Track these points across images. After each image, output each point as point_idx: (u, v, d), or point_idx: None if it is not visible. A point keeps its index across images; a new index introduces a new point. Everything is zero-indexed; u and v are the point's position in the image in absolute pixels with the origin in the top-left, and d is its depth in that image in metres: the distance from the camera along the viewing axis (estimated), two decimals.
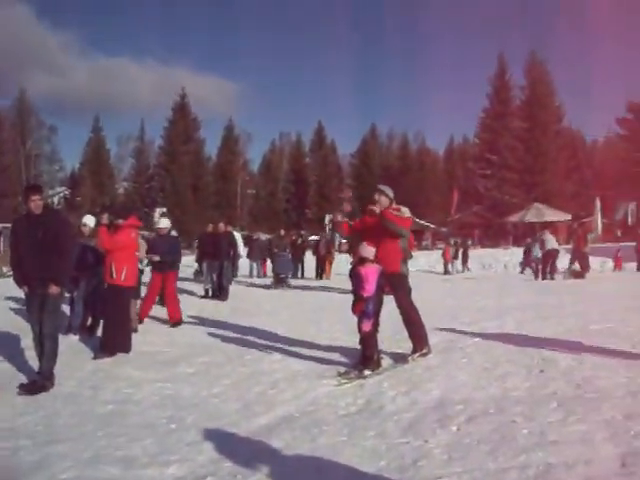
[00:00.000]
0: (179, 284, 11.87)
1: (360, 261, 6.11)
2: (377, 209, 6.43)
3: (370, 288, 5.88)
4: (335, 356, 6.96)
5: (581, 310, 10.05)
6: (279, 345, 7.72)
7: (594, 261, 25.47)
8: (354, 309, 6.07)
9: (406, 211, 6.65)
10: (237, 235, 17.42)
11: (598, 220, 40.77)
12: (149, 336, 8.82)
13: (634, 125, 58.35)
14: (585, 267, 20.28)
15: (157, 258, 10.19)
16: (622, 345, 6.77)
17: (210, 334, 8.82)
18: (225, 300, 13.69)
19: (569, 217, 45.26)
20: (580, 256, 20.58)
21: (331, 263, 22.82)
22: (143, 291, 10.34)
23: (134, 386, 6.05)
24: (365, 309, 5.91)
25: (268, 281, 18.60)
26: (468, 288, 16.45)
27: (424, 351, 6.56)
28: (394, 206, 6.58)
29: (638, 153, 55.48)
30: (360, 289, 5.94)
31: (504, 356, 6.48)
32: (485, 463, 3.63)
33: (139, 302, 9.89)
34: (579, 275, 19.21)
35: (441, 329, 8.02)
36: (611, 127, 65.55)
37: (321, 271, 22.48)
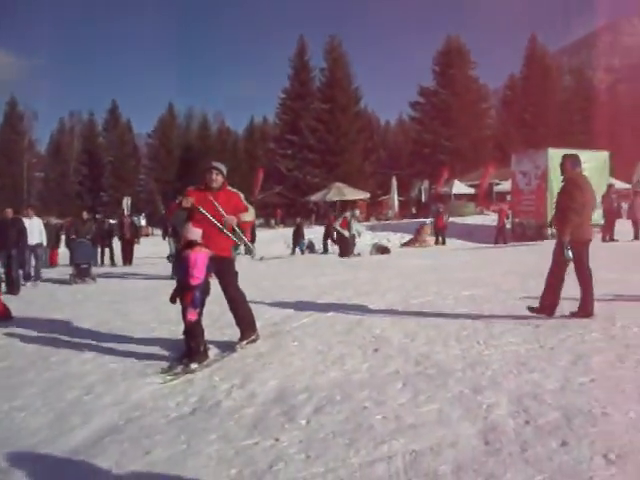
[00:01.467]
0: None
1: (187, 245, 5.52)
2: (190, 201, 5.81)
3: (200, 275, 5.31)
4: (155, 349, 6.24)
5: (398, 285, 10.28)
6: (88, 342, 6.72)
7: (394, 237, 26.72)
8: (181, 298, 5.46)
9: (251, 213, 6.32)
10: (38, 221, 15.24)
11: (395, 198, 43.02)
12: None
13: (425, 108, 62.44)
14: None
15: None
16: (448, 316, 6.93)
17: (4, 335, 7.44)
18: (17, 294, 12.06)
19: (368, 195, 47.30)
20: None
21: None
22: None
23: None
24: (193, 298, 5.35)
25: (60, 272, 16.50)
26: (279, 268, 16.34)
27: (252, 337, 6.17)
28: (231, 189, 6.24)
29: (428, 135, 59.40)
30: (188, 276, 5.31)
31: (335, 337, 6.30)
32: (347, 458, 3.30)
33: None
34: (385, 251, 20.02)
35: (263, 312, 7.70)
36: (403, 110, 69.33)
37: (130, 256, 20.98)
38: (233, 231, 6.06)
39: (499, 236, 25.60)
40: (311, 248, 23.30)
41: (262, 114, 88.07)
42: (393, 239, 26.32)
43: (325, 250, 22.33)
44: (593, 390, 4.20)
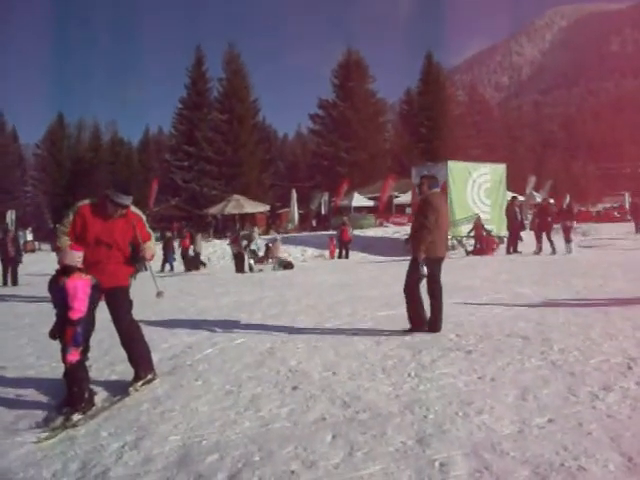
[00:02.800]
0: None
1: (64, 271, 4.50)
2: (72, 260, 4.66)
3: (81, 307, 4.34)
4: (30, 393, 5.14)
5: (308, 305, 9.53)
6: None
7: (295, 250, 26.05)
8: (58, 334, 4.47)
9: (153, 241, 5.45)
10: None
11: (294, 210, 42.46)
12: None
13: (324, 120, 62.56)
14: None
15: None
16: (368, 342, 6.25)
17: None
18: None
19: (268, 208, 46.56)
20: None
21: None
22: None
23: None
24: (74, 335, 4.38)
25: None
26: (178, 286, 15.26)
27: (149, 377, 5.25)
28: (134, 211, 5.29)
29: (328, 147, 59.45)
30: (67, 309, 4.33)
31: (245, 371, 5.48)
32: None
33: None
34: (288, 265, 19.30)
35: (160, 342, 6.79)
36: (302, 122, 69.51)
37: (13, 276, 18.65)
38: (140, 259, 5.18)
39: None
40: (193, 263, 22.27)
41: (158, 125, 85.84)
42: (294, 252, 25.64)
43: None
44: (556, 434, 3.62)
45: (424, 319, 6.80)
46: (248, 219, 45.44)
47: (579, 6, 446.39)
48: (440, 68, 76.24)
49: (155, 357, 5.62)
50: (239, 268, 19.03)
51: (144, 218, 5.32)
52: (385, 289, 11.25)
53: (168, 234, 25.88)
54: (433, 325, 6.75)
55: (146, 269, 5.86)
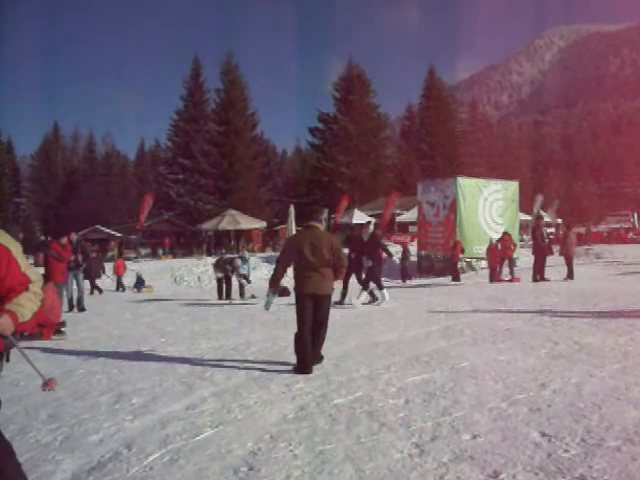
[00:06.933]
0: None
1: None
2: None
3: None
4: None
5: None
6: None
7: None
8: None
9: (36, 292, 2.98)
10: None
11: (292, 227, 40.14)
12: None
13: (324, 135, 60.60)
14: None
15: None
16: (405, 446, 3.94)
17: None
18: None
19: (264, 224, 44.42)
20: None
21: None
22: None
23: None
24: None
25: None
26: (148, 322, 12.98)
27: None
28: None
29: (328, 162, 57.45)
30: None
31: None
32: None
33: None
34: (284, 292, 16.97)
35: (88, 432, 4.54)
36: (300, 138, 68.42)
37: None
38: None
39: (404, 272, 23.76)
40: None
41: (154, 138, 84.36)
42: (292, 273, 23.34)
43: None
44: None
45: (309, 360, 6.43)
46: (244, 235, 43.23)
47: (578, 27, 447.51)
48: (442, 84, 74.98)
49: (67, 471, 3.36)
50: (221, 294, 16.71)
51: (14, 249, 2.96)
52: (405, 330, 9.00)
53: (93, 255, 24.53)
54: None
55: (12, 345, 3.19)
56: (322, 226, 6.92)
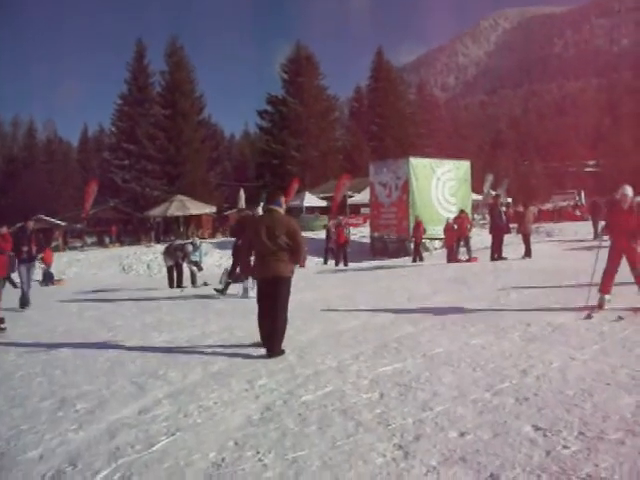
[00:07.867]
0: None
1: None
2: None
3: None
4: None
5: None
6: None
7: None
8: None
9: None
10: None
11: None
12: None
13: (274, 117, 59.74)
14: None
15: None
16: (388, 450, 3.51)
17: None
18: None
19: (214, 209, 43.60)
20: None
21: None
22: None
23: None
24: None
25: None
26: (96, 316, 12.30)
27: None
28: None
29: (277, 145, 56.73)
30: None
31: None
32: None
33: None
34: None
35: (29, 445, 3.98)
36: (249, 120, 67.55)
37: None
38: None
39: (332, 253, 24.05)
40: None
41: (98, 123, 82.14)
42: None
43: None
44: None
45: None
46: (193, 221, 42.27)
47: (523, 9, 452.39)
48: (390, 65, 74.86)
49: None
50: (172, 283, 15.98)
51: None
52: (369, 316, 8.59)
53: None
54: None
55: None
56: (282, 209, 6.66)
